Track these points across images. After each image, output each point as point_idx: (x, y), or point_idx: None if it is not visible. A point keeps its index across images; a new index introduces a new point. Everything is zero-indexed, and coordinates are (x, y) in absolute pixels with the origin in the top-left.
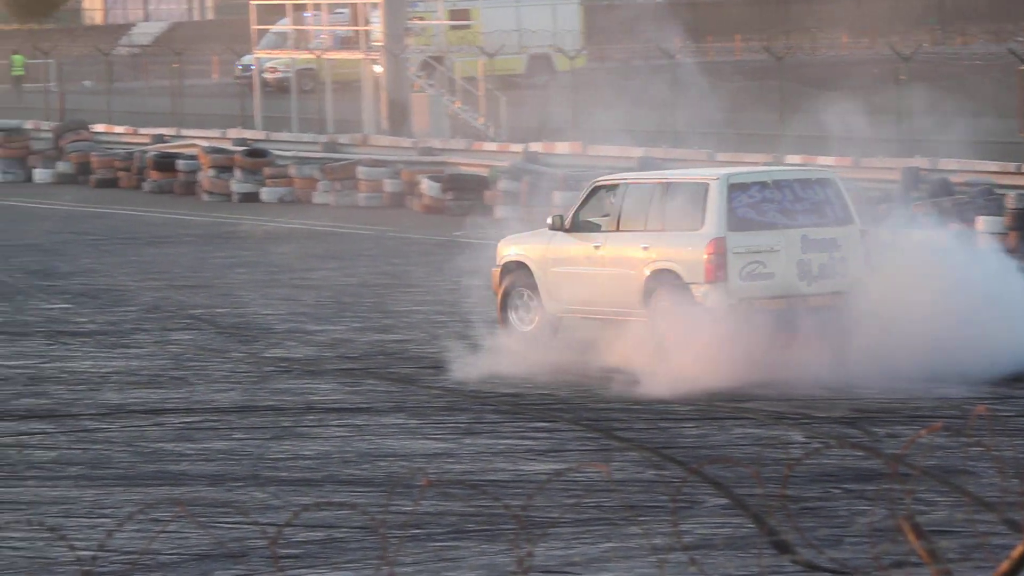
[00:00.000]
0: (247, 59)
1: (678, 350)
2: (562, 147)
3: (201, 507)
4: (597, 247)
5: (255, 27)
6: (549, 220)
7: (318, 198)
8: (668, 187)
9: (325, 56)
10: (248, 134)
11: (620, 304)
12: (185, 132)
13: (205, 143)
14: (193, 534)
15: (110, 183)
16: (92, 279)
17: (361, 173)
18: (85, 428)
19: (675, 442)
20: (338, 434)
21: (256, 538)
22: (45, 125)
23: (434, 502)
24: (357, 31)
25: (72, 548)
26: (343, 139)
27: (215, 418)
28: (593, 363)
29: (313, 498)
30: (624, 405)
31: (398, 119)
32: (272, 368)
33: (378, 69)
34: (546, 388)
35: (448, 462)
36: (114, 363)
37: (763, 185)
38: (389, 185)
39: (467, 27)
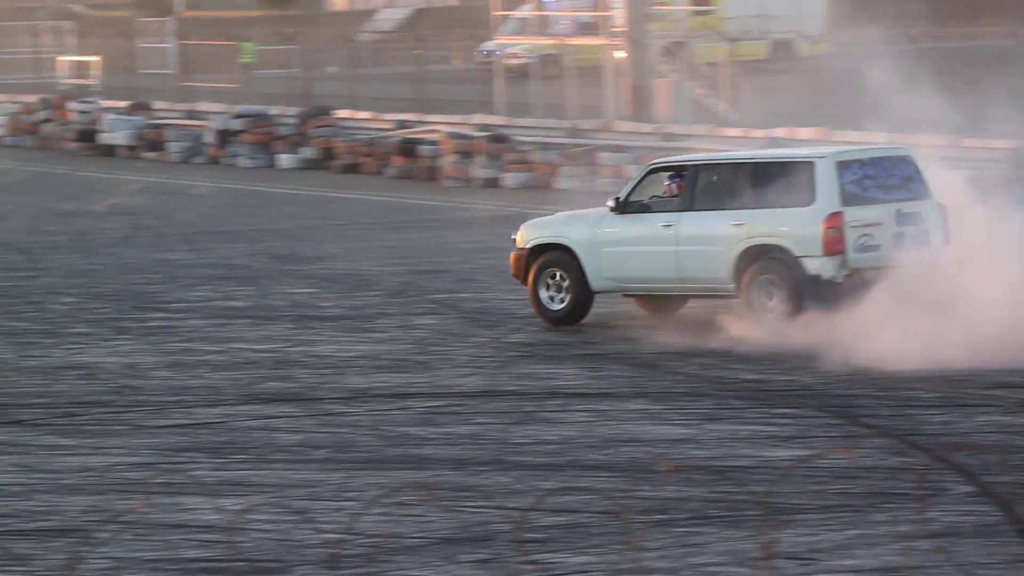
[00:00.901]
0: (489, 45)
1: (813, 323)
2: (805, 132)
3: (445, 491)
4: (668, 226)
5: (497, 13)
6: (611, 203)
7: (560, 183)
8: (761, 167)
9: (567, 42)
10: (490, 120)
11: (703, 280)
12: (427, 118)
13: (447, 129)
14: (437, 518)
15: (353, 168)
16: (337, 264)
17: (603, 159)
18: (330, 412)
19: (920, 429)
20: (581, 419)
21: (500, 522)
22: (290, 111)
23: (677, 488)
24: (599, 17)
25: (318, 531)
26: (585, 125)
27: (459, 402)
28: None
29: (556, 483)
30: (868, 391)
31: (640, 105)
32: (515, 353)
33: (620, 55)
34: (789, 374)
35: (691, 448)
36: (359, 347)
37: (862, 163)
38: (631, 171)
39: (709, 12)
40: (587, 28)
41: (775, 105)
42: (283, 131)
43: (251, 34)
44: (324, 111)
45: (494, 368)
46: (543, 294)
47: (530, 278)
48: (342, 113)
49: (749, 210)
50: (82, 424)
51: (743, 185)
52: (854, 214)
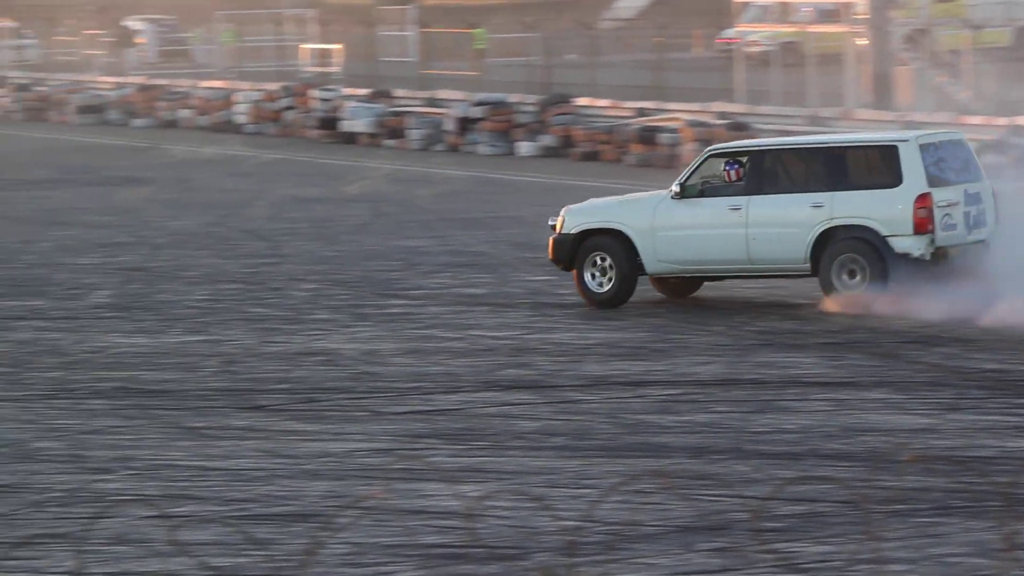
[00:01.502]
0: (729, 32)
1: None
2: None
3: (683, 479)
4: (735, 209)
5: (737, 1)
6: (676, 188)
7: None
8: (840, 151)
9: (808, 29)
10: (730, 108)
11: (774, 260)
12: (667, 105)
13: (687, 116)
14: (676, 506)
15: (592, 156)
16: None
17: None
18: (568, 399)
19: None
20: (820, 408)
21: (738, 511)
22: (529, 99)
23: (918, 478)
24: (840, 4)
25: (556, 518)
26: (826, 112)
27: (697, 391)
28: None
29: (795, 472)
30: None
31: (881, 93)
32: (754, 341)
33: (862, 42)
34: None
35: (931, 437)
36: (596, 335)
37: (936, 146)
38: None
39: (952, 0)
40: (828, 15)
41: (1018, 93)
42: (523, 119)
43: (492, 21)
44: (564, 99)
45: (733, 356)
46: (587, 279)
47: (576, 262)
48: (582, 101)
49: (829, 192)
50: (322, 410)
51: (820, 169)
52: (938, 194)
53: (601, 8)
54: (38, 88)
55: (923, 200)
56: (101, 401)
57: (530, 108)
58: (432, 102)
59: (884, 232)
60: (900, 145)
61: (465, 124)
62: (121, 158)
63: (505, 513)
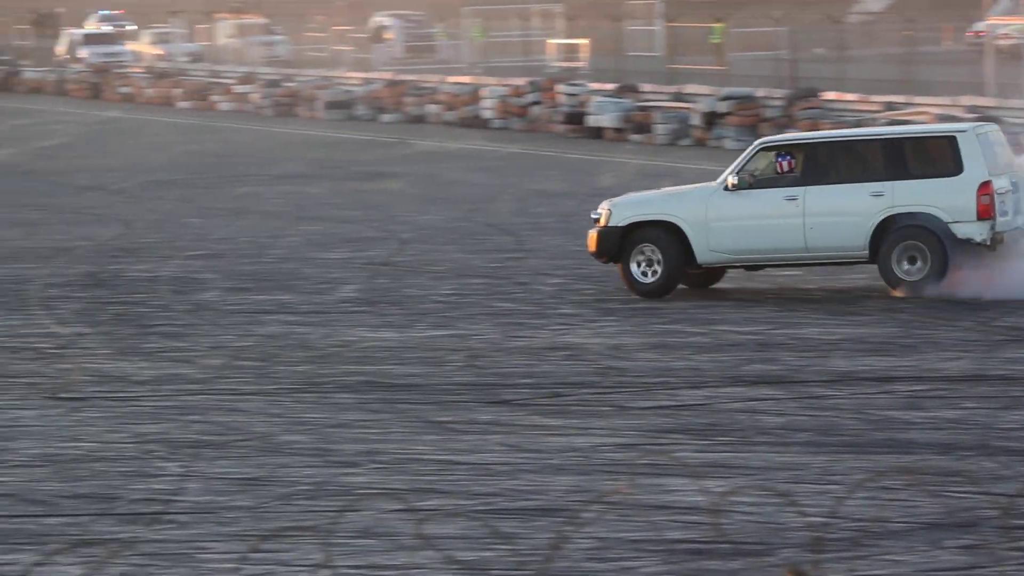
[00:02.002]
0: (979, 25)
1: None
2: None
3: (930, 476)
4: (791, 199)
5: None
6: (735, 179)
7: None
8: (898, 142)
9: None
10: (980, 101)
11: (833, 248)
12: (915, 99)
13: (936, 110)
14: (923, 503)
15: None
16: None
17: None
18: (814, 395)
19: None
20: None
21: (986, 508)
22: (777, 93)
23: None
24: None
25: (802, 514)
26: None
27: (944, 387)
28: None
29: None
30: None
31: None
32: (1003, 337)
33: None
34: None
35: None
36: (842, 330)
37: (987, 136)
38: None
39: None
40: None
41: None
42: (770, 113)
43: (739, 15)
44: (811, 93)
45: (981, 352)
46: (634, 270)
47: (622, 255)
48: (829, 95)
49: (889, 182)
50: (567, 405)
51: (878, 159)
52: (996, 182)
53: (849, 2)
54: (287, 84)
55: (985, 188)
56: (348, 395)
57: (777, 102)
58: (678, 97)
59: (947, 219)
60: (959, 135)
61: (712, 119)
62: (369, 153)
63: (750, 509)
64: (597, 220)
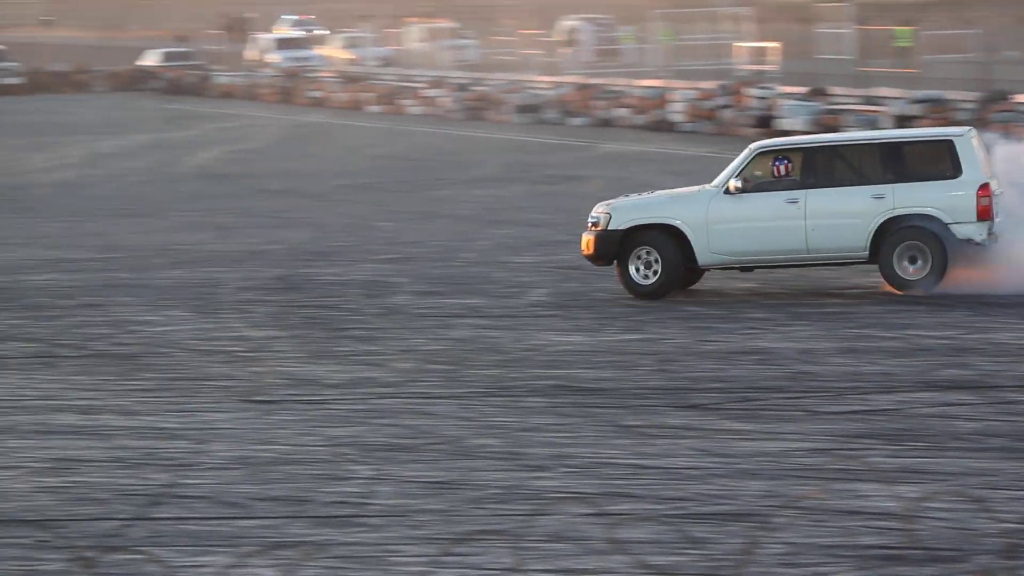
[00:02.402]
0: None
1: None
2: None
3: None
4: (793, 202)
5: None
6: (739, 183)
7: None
8: (897, 145)
9: None
10: None
11: (834, 249)
12: None
13: None
14: None
15: None
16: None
17: None
18: (1008, 400)
19: None
20: None
21: None
22: (969, 96)
23: None
24: None
25: (997, 520)
26: None
27: None
28: None
29: None
30: None
31: None
32: None
33: None
34: None
35: None
36: None
37: (979, 139)
38: None
39: None
40: None
41: None
42: (961, 116)
43: (931, 18)
44: (1003, 96)
45: None
46: (632, 272)
47: (620, 256)
48: (1021, 98)
49: (889, 184)
50: (758, 409)
51: (877, 162)
52: (993, 184)
53: None
54: (477, 88)
55: (985, 189)
56: (538, 399)
57: (969, 105)
58: (869, 99)
59: (948, 220)
60: (956, 139)
61: (903, 121)
62: (559, 156)
63: (944, 515)
64: (595, 224)
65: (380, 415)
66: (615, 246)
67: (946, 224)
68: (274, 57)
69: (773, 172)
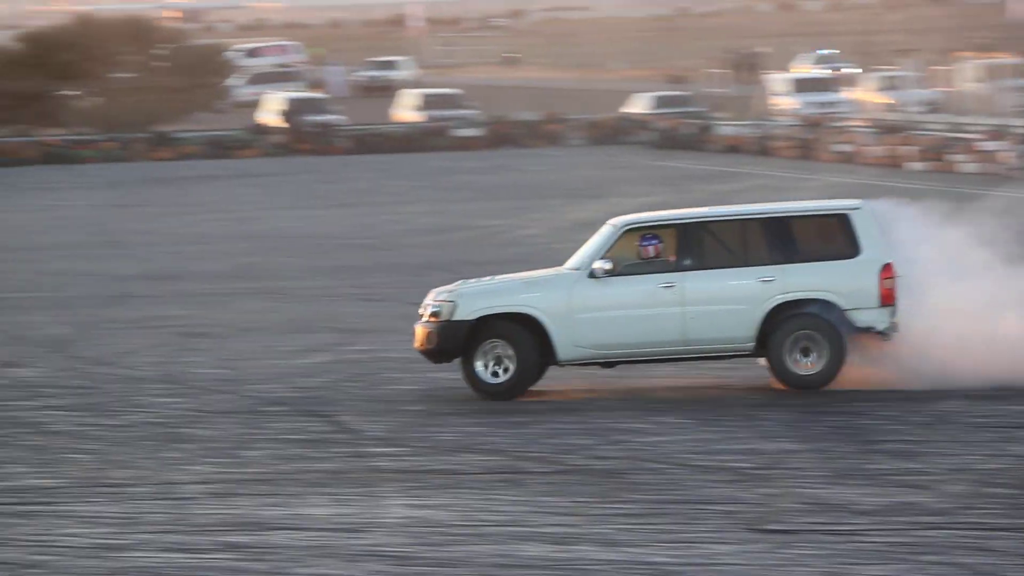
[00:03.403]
0: None
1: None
2: None
3: None
4: (668, 286)
5: None
6: (607, 265)
7: None
8: (785, 221)
9: None
10: None
11: (715, 340)
12: None
13: None
14: None
15: None
16: None
17: None
18: None
19: None
20: None
21: None
22: None
23: None
24: None
25: None
26: None
27: None
28: None
29: None
30: None
31: None
32: None
33: None
34: None
35: None
36: None
37: (879, 214)
38: None
39: None
40: None
41: None
42: None
43: None
44: None
45: None
46: (480, 368)
47: (464, 352)
48: None
49: (778, 265)
50: None
51: (764, 240)
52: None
53: None
54: None
55: (887, 270)
56: None
57: None
58: None
59: (845, 306)
60: (852, 213)
61: None
62: None
63: None
64: (435, 314)
65: (925, 550)
66: (461, 340)
67: (843, 311)
68: (791, 102)
69: (641, 252)
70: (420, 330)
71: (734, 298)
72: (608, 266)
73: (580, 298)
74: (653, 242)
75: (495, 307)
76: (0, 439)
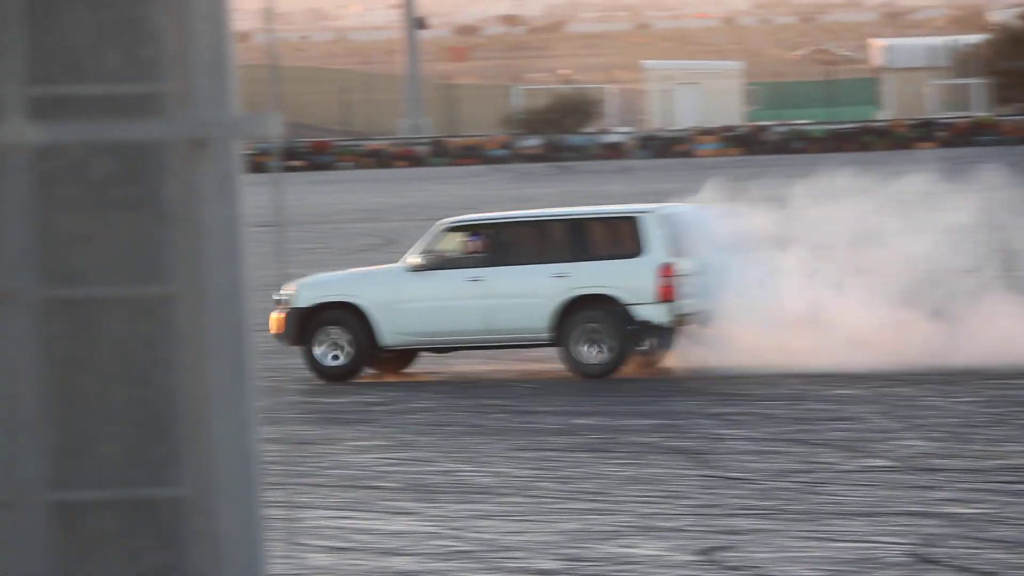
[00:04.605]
0: None
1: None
2: None
3: None
4: (474, 280)
5: None
6: (419, 259)
7: None
8: (582, 222)
9: None
10: None
11: (516, 330)
12: None
13: None
14: None
15: None
16: None
17: None
18: None
19: None
20: None
21: None
22: None
23: None
24: None
25: None
26: None
27: None
28: None
29: None
30: None
31: None
32: None
33: None
34: None
35: None
36: None
37: (675, 217)
38: None
39: None
40: None
41: None
42: None
43: None
44: None
45: None
46: (317, 351)
47: (298, 337)
48: None
49: (571, 263)
50: None
51: (562, 240)
52: (679, 264)
53: None
54: None
55: (666, 270)
56: None
57: None
58: None
59: (627, 300)
60: (640, 216)
61: None
62: None
63: None
64: (283, 302)
65: None
66: (298, 326)
67: (625, 305)
68: None
69: (464, 247)
70: (273, 317)
71: (531, 291)
72: (419, 260)
73: (399, 289)
74: (476, 238)
75: (325, 296)
76: (997, 416)
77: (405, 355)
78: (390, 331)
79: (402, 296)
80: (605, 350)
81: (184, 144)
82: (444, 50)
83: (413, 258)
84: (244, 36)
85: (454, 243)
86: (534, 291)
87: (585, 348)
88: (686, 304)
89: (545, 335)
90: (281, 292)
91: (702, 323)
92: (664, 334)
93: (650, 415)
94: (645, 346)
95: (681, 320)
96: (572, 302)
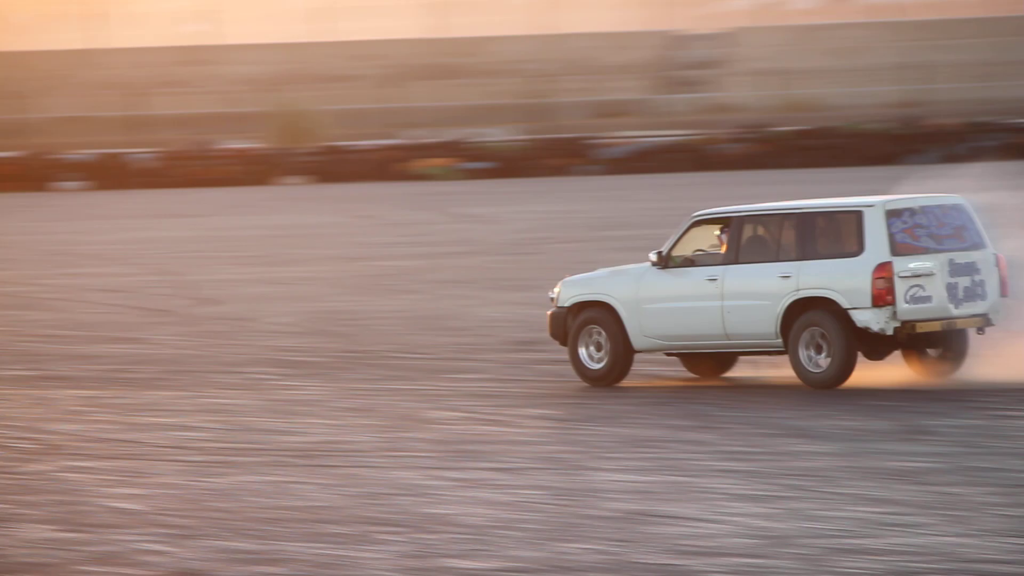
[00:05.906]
0: None
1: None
2: None
3: None
4: (712, 280)
5: None
6: (653, 256)
7: None
8: (807, 217)
9: None
10: None
11: (749, 335)
12: None
13: None
14: None
15: None
16: None
17: None
18: None
19: None
20: None
21: None
22: None
23: None
24: None
25: None
26: None
27: None
28: None
29: None
30: None
31: None
32: None
33: None
34: None
35: None
36: None
37: (912, 211)
38: None
39: None
40: None
41: None
42: None
43: None
44: None
45: None
46: (582, 352)
47: (569, 337)
48: None
49: (796, 262)
50: None
51: (789, 236)
52: (903, 264)
53: None
54: None
55: (882, 269)
56: None
57: None
58: None
59: (846, 304)
60: (865, 210)
61: None
62: None
63: None
64: (552, 300)
65: None
66: (562, 325)
67: (845, 309)
68: None
69: (718, 242)
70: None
71: (759, 293)
72: (653, 257)
73: (645, 288)
74: (726, 233)
75: (582, 295)
76: None
77: (725, 359)
78: (637, 333)
79: (645, 295)
80: (825, 358)
81: None
82: None
83: (653, 254)
84: None
85: (703, 237)
86: (762, 292)
87: (812, 354)
88: (914, 310)
89: (776, 341)
90: (552, 291)
91: (979, 329)
92: (953, 340)
93: None
94: (928, 353)
95: (912, 326)
96: (795, 304)
